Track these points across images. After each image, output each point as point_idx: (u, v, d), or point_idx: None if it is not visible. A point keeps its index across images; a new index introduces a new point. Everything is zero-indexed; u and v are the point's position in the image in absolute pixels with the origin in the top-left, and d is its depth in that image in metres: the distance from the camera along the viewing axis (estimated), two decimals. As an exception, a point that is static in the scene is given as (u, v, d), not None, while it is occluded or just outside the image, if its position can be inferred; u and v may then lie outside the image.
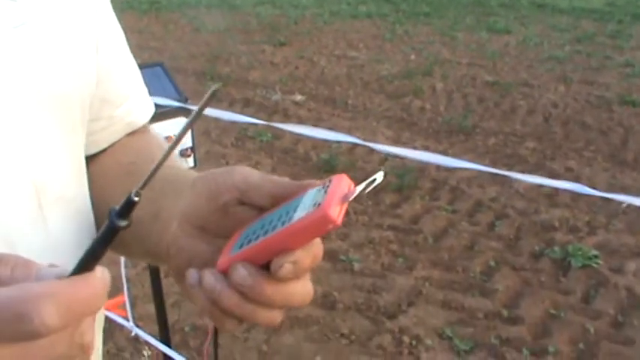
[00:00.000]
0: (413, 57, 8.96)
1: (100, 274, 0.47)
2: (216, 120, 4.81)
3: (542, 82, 7.57)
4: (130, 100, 0.91)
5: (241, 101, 6.89)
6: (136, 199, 0.46)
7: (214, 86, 0.44)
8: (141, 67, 0.95)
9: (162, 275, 2.57)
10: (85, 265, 0.47)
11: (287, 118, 6.31)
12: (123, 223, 0.47)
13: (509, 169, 4.92)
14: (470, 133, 5.92)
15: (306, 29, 11.07)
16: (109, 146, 0.90)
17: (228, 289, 0.55)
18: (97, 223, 0.79)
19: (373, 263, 3.81)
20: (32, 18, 0.67)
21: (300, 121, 6.18)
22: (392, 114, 6.52)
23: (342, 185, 0.52)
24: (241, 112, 6.08)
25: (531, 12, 12.64)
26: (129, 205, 0.47)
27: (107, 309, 2.86)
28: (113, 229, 0.47)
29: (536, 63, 8.57)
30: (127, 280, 2.86)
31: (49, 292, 0.44)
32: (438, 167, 4.98)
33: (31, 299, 0.44)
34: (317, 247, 0.55)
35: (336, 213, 0.50)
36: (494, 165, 5.04)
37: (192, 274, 0.57)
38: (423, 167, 4.97)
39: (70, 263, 0.48)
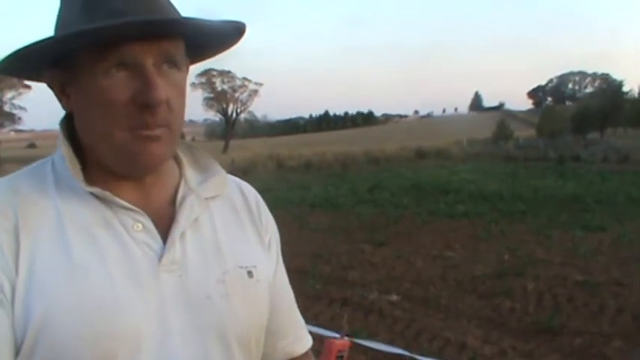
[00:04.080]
0: (507, 257, 9.32)
1: None
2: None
3: (634, 281, 7.71)
4: (289, 337, 1.11)
5: (340, 300, 7.36)
6: None
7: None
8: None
9: None
10: None
11: (382, 317, 6.71)
12: None
13: (594, 370, 5.13)
14: (557, 332, 6.13)
15: (404, 229, 11.69)
16: None
17: None
18: None
19: None
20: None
21: (395, 321, 6.58)
22: (482, 314, 6.82)
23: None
24: (340, 312, 6.57)
25: (628, 208, 12.88)
26: None
27: None
28: None
29: (630, 260, 8.73)
30: None
31: None
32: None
33: None
34: None
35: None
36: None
37: None
38: (508, 367, 5.24)
39: None
